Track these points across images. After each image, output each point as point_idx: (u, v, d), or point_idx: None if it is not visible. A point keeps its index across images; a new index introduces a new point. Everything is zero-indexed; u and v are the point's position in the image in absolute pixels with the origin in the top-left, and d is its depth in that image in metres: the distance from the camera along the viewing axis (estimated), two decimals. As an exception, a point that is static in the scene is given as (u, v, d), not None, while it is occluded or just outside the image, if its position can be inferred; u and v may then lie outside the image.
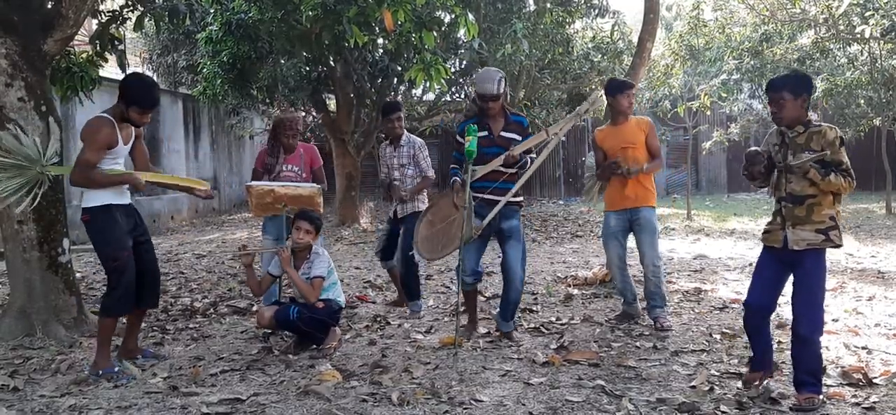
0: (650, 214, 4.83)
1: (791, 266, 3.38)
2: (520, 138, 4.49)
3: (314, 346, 4.39)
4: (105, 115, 3.96)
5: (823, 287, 3.37)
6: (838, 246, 3.32)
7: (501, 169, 4.40)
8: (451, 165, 4.65)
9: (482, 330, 4.80)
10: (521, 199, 4.63)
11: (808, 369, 3.30)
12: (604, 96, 4.89)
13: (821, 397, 3.31)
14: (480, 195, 4.42)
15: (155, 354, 4.34)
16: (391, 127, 5.39)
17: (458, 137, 4.59)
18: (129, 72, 4.40)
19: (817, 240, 3.28)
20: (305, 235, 4.45)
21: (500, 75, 4.49)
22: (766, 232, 3.49)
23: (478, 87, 4.50)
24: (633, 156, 4.80)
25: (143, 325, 5.08)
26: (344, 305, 4.74)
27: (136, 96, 3.92)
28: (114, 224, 3.96)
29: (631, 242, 5.04)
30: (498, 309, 4.73)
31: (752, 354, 3.62)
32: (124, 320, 4.23)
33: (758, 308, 3.51)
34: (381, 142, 5.63)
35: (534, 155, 4.58)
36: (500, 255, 4.58)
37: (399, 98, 13.52)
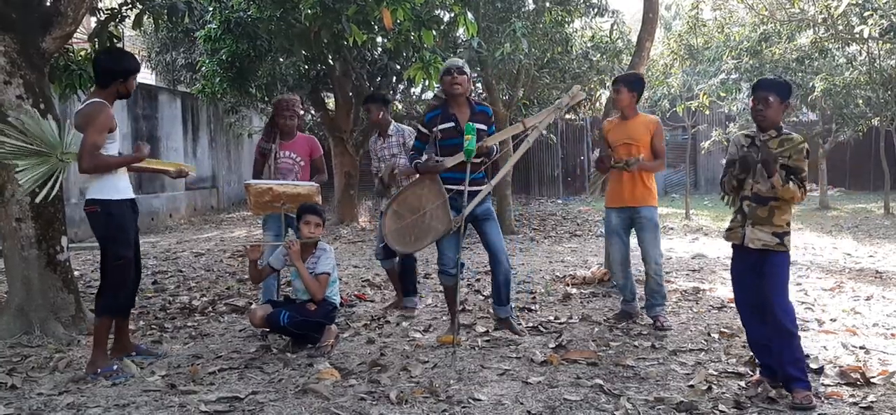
0: (651, 213, 4.83)
1: (759, 264, 3.48)
2: (486, 127, 4.47)
3: (311, 344, 4.39)
4: (99, 99, 3.94)
5: (787, 280, 3.49)
6: (787, 251, 3.45)
7: (473, 160, 4.32)
8: (411, 152, 4.58)
9: (480, 329, 4.80)
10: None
11: (792, 360, 3.35)
12: (581, 90, 4.90)
13: (812, 392, 3.33)
14: (453, 187, 4.34)
15: (149, 350, 4.34)
16: (370, 117, 5.45)
17: (421, 127, 4.54)
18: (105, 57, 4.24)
19: (772, 243, 3.43)
20: (315, 228, 4.44)
21: (464, 62, 4.58)
22: (728, 230, 3.63)
23: (444, 67, 4.52)
24: (636, 154, 4.78)
25: (141, 323, 5.09)
26: (339, 304, 4.73)
27: (129, 65, 4.03)
28: (126, 221, 3.96)
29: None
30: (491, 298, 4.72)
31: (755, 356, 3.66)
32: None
33: (753, 320, 3.59)
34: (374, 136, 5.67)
35: (497, 145, 4.52)
36: (482, 254, 4.56)
37: (398, 96, 13.53)
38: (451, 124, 4.42)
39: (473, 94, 4.64)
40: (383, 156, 5.45)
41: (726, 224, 3.68)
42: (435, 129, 4.44)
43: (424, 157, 4.41)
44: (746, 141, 3.58)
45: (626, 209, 4.87)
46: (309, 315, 4.36)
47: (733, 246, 3.64)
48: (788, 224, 3.47)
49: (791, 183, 3.36)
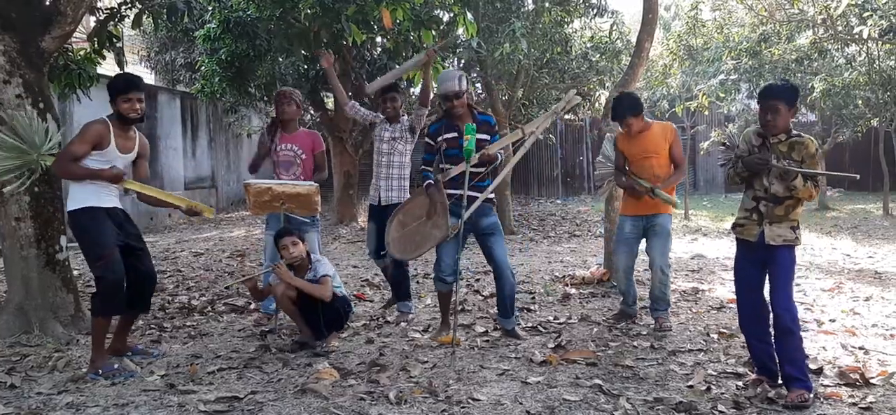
0: (666, 221, 4.75)
1: (765, 262, 3.54)
2: (489, 138, 4.49)
3: (318, 338, 4.38)
4: (103, 116, 4.03)
5: (793, 278, 3.55)
6: (799, 243, 3.55)
7: (474, 169, 4.35)
8: (422, 167, 4.58)
9: (480, 329, 4.81)
10: (493, 196, 4.58)
11: (793, 360, 3.38)
12: (577, 95, 4.90)
13: (811, 394, 3.33)
14: (453, 193, 4.40)
15: (145, 351, 4.33)
16: (385, 108, 5.28)
17: (427, 139, 4.59)
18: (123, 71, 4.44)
19: (790, 236, 3.50)
20: (292, 247, 4.40)
21: (461, 74, 4.55)
22: (739, 226, 3.66)
23: (440, 90, 4.49)
24: (658, 165, 4.70)
25: (140, 322, 5.08)
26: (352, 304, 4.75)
27: (113, 85, 4.00)
28: (96, 223, 3.95)
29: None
30: (496, 309, 4.72)
31: (752, 357, 3.67)
32: (116, 319, 4.21)
33: (755, 318, 3.61)
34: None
35: (502, 153, 4.57)
36: (481, 255, 4.56)
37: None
38: (455, 135, 4.45)
39: (472, 96, 4.60)
40: (384, 137, 5.24)
41: (726, 224, 3.70)
42: (440, 139, 4.49)
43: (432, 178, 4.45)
44: (757, 140, 3.60)
45: (641, 218, 4.77)
46: (334, 300, 4.39)
47: (740, 241, 3.67)
48: (799, 216, 3.56)
49: (809, 183, 3.44)
